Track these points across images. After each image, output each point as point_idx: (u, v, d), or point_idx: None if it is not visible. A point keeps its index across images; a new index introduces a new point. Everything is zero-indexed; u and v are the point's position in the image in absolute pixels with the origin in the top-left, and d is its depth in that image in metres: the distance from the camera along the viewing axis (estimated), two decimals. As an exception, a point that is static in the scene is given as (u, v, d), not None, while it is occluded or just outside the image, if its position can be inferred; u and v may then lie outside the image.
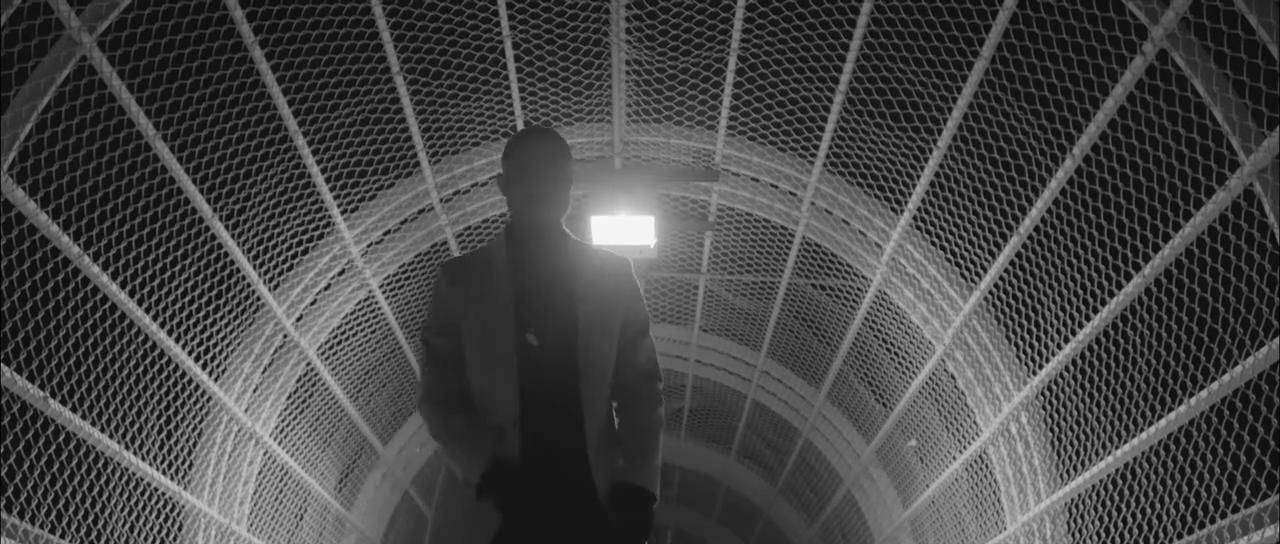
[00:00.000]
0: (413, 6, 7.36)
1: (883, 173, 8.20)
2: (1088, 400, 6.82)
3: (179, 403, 7.38)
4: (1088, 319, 6.58)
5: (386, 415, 11.81)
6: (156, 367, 6.97)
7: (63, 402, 5.93)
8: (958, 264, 8.03)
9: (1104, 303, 6.37)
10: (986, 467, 8.81)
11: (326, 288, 8.95)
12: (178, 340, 7.09)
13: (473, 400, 3.12)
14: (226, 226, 7.17)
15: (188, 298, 7.09)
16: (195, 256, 7.00)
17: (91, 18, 5.26)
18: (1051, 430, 7.54)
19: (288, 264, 8.22)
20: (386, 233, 9.26)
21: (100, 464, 6.44)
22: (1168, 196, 5.51)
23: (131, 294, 6.42)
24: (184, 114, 6.36)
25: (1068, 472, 7.28)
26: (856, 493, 12.67)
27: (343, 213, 8.45)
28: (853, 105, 7.78)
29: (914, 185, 7.91)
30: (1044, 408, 7.59)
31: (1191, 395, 5.64)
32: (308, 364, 9.19)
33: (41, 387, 5.66)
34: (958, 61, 6.68)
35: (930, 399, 9.63)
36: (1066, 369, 7.05)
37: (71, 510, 6.14)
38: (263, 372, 8.53)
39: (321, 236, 8.48)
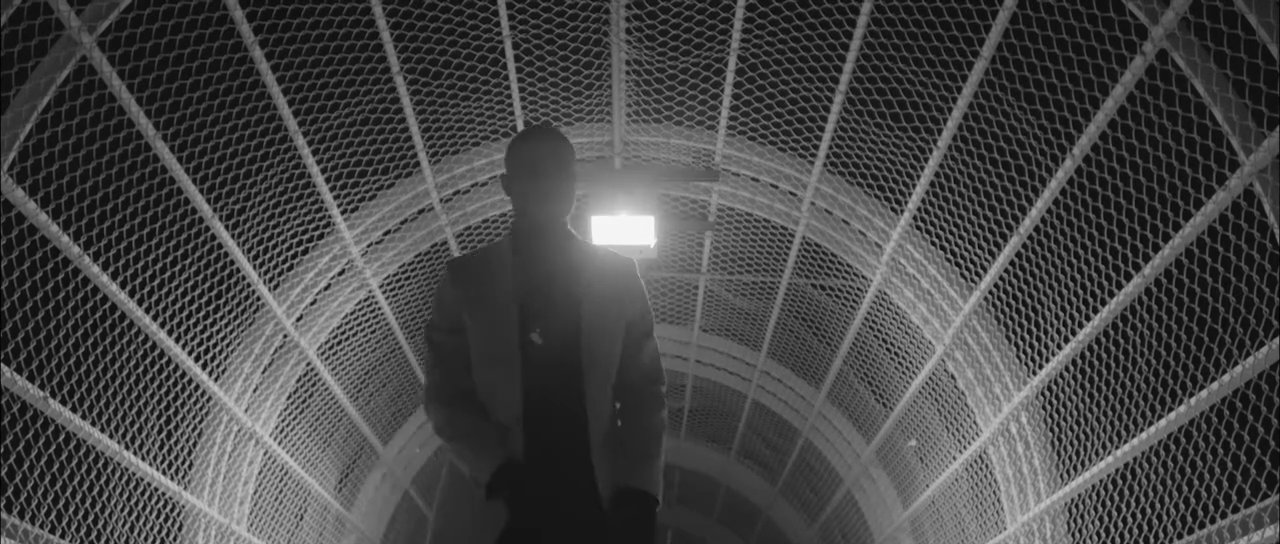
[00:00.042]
0: (413, 6, 7.36)
1: (883, 173, 8.20)
2: (1088, 400, 6.82)
3: (179, 403, 7.38)
4: (1088, 319, 6.58)
5: (386, 415, 11.81)
6: (156, 367, 6.97)
7: (63, 402, 5.93)
8: (958, 264, 8.04)
9: (1104, 303, 6.37)
10: (986, 467, 8.81)
11: (326, 288, 8.95)
12: (178, 340, 7.09)
13: (478, 398, 3.13)
14: (226, 226, 7.17)
15: (188, 298, 7.09)
16: (195, 256, 7.00)
17: (91, 18, 5.26)
18: (1051, 430, 7.54)
19: (288, 264, 8.22)
20: (386, 233, 9.26)
21: (100, 464, 6.44)
22: (1168, 196, 5.51)
23: (131, 294, 6.42)
24: (184, 114, 6.36)
25: (1068, 472, 7.28)
26: (856, 493, 12.67)
27: (343, 213, 8.45)
28: (853, 105, 7.78)
29: (914, 185, 7.91)
30: (1044, 408, 7.59)
31: (1191, 395, 5.64)
32: (308, 364, 9.19)
33: (41, 387, 5.66)
34: (958, 61, 6.68)
35: (930, 399, 9.63)
36: (1066, 369, 7.05)
37: (71, 510, 6.14)
38: (263, 372, 8.53)
39: (321, 236, 8.48)
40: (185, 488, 7.63)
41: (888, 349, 10.02)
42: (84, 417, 6.16)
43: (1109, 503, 6.75)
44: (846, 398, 11.65)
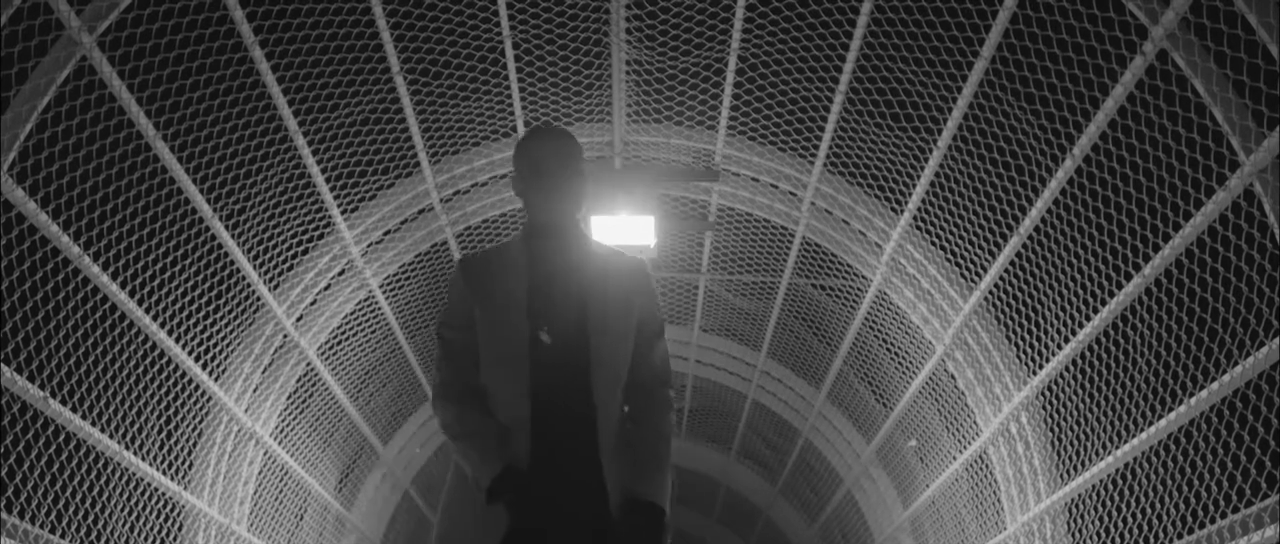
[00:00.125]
0: (413, 6, 7.36)
1: (883, 173, 8.20)
2: (1088, 400, 6.82)
3: (179, 403, 7.38)
4: (1088, 319, 6.58)
5: (386, 415, 11.81)
6: (156, 367, 6.97)
7: (63, 402, 5.93)
8: (958, 264, 8.04)
9: (1104, 303, 6.37)
10: (986, 467, 8.81)
11: (326, 288, 8.95)
12: (178, 340, 7.09)
13: (486, 397, 3.12)
14: (226, 226, 7.17)
15: (188, 298, 7.09)
16: (195, 256, 7.00)
17: (91, 18, 5.26)
18: (1051, 430, 7.54)
19: (288, 264, 8.22)
20: (386, 233, 9.26)
21: (100, 464, 6.44)
22: (1168, 196, 5.51)
23: (131, 294, 6.42)
24: (184, 114, 6.36)
25: (1068, 472, 7.28)
26: (856, 493, 12.67)
27: (343, 213, 8.45)
28: (853, 105, 7.78)
29: (914, 185, 7.91)
30: (1044, 408, 7.59)
31: (1191, 395, 5.64)
32: (308, 364, 9.19)
33: (41, 387, 5.66)
34: (958, 61, 6.68)
35: (930, 399, 9.63)
36: (1066, 369, 7.05)
37: (71, 510, 6.14)
38: (263, 372, 8.53)
39: (321, 236, 8.48)
40: (185, 488, 7.63)
41: (888, 349, 10.02)
42: (84, 417, 6.16)
43: (1109, 503, 6.75)
44: (846, 398, 11.65)
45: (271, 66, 6.78)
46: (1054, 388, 7.32)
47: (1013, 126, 6.63)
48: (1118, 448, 6.46)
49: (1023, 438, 7.95)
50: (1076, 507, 7.24)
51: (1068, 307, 6.78)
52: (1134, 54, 5.34)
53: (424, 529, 14.78)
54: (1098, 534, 6.92)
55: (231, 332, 7.85)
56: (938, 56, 6.78)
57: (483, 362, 3.11)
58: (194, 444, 7.80)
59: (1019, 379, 7.78)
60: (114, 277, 6.21)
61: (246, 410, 8.38)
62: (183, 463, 7.60)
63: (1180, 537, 5.93)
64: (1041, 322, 7.18)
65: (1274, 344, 4.90)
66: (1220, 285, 5.28)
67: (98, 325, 6.20)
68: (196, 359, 7.39)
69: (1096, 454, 6.80)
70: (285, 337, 8.58)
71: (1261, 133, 4.77)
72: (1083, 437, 6.97)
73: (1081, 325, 6.67)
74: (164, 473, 7.25)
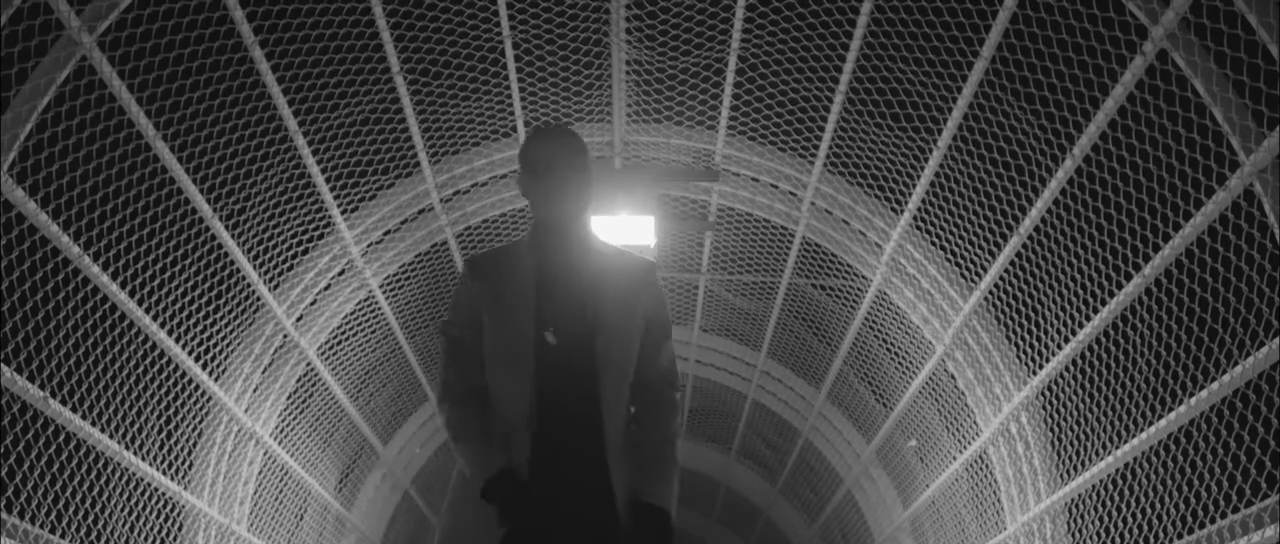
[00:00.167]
0: (413, 6, 7.36)
1: (883, 173, 8.20)
2: (1088, 400, 6.82)
3: (179, 403, 7.38)
4: (1088, 319, 6.58)
5: (386, 415, 11.81)
6: (156, 367, 6.97)
7: (63, 402, 5.93)
8: (958, 264, 8.04)
9: (1104, 303, 6.37)
10: (986, 467, 8.81)
11: (326, 288, 8.95)
12: (178, 340, 7.09)
13: (486, 400, 3.11)
14: (226, 226, 7.17)
15: (188, 298, 7.09)
16: (195, 256, 7.00)
17: (91, 18, 5.26)
18: (1051, 430, 7.54)
19: (288, 264, 8.22)
20: (386, 233, 9.26)
21: (100, 464, 6.44)
22: (1168, 196, 5.51)
23: (131, 294, 6.42)
24: (184, 114, 6.36)
25: (1068, 472, 7.28)
26: (856, 493, 12.67)
27: (343, 213, 8.45)
28: (853, 105, 7.78)
29: (914, 185, 7.91)
30: (1044, 408, 7.59)
31: (1191, 395, 5.64)
32: (308, 364, 9.19)
33: (41, 387, 5.66)
34: (958, 61, 6.68)
35: (930, 399, 9.63)
36: (1066, 369, 7.05)
37: (71, 510, 6.14)
38: (263, 372, 8.53)
39: (321, 236, 8.48)
40: (185, 488, 7.63)
41: (888, 349, 10.02)
42: (84, 417, 6.16)
43: (1109, 503, 6.75)
44: (846, 398, 11.65)
45: (271, 66, 6.78)
46: (1054, 388, 7.32)
47: (1013, 126, 6.63)
48: (1118, 448, 6.46)
49: (1023, 438, 7.95)
50: (1076, 507, 7.24)
51: (1068, 307, 6.78)
52: (1134, 54, 5.34)
53: (424, 529, 14.78)
54: (1098, 534, 6.92)
55: (231, 332, 7.85)
56: (938, 56, 6.78)
57: (488, 362, 3.10)
58: (194, 444, 7.80)
59: (1019, 379, 7.78)
60: (114, 277, 6.21)
61: (246, 410, 8.38)
62: (183, 463, 7.60)
63: (1180, 537, 5.93)
64: (1041, 322, 7.18)
65: (1274, 344, 4.90)
66: (1220, 285, 5.28)
67: (98, 325, 6.20)
68: (196, 359, 7.39)
69: (1096, 454, 6.80)
70: (285, 337, 8.58)
71: (1261, 133, 4.77)
72: (1083, 437, 6.97)
73: (1081, 325, 6.67)
74: (164, 473, 7.25)
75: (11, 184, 5.14)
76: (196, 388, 7.55)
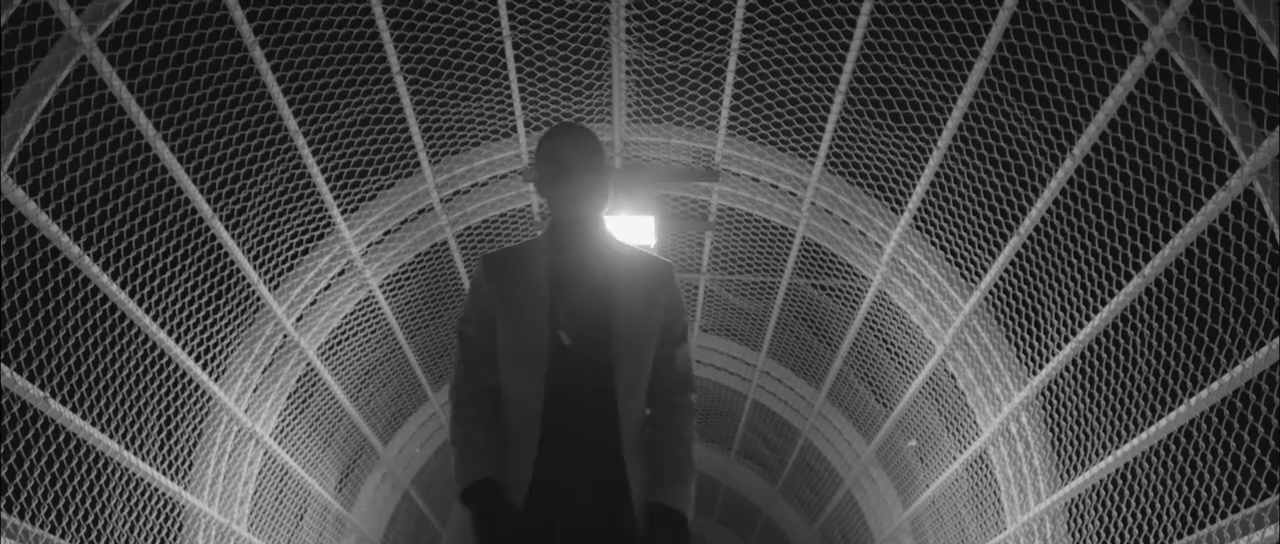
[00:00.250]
0: (413, 6, 7.36)
1: (883, 173, 8.20)
2: (1088, 400, 6.82)
3: (179, 403, 7.38)
4: (1088, 319, 6.58)
5: (386, 415, 11.81)
6: (156, 367, 6.97)
7: (63, 402, 5.93)
8: (958, 264, 8.04)
9: (1104, 303, 6.37)
10: (986, 467, 8.81)
11: (326, 288, 8.96)
12: (178, 340, 7.09)
13: (499, 398, 3.10)
14: (226, 226, 7.17)
15: (188, 298, 7.09)
16: (195, 256, 7.00)
17: (91, 18, 5.26)
18: (1051, 430, 7.54)
19: (288, 264, 8.22)
20: (386, 233, 9.26)
21: (100, 464, 6.44)
22: (1168, 196, 5.51)
23: (131, 294, 6.42)
24: (184, 114, 6.36)
25: (1068, 472, 7.28)
26: (856, 493, 12.67)
27: (343, 213, 8.45)
28: (853, 105, 7.78)
29: (914, 185, 7.91)
30: (1044, 408, 7.59)
31: (1191, 395, 5.64)
32: (308, 364, 9.19)
33: (41, 387, 5.66)
34: (958, 61, 6.68)
35: (930, 399, 9.63)
36: (1066, 369, 7.05)
37: (71, 510, 6.14)
38: (263, 372, 8.53)
39: (321, 236, 8.48)
40: (185, 488, 7.63)
41: (888, 349, 10.02)
42: (84, 417, 6.16)
43: (1109, 503, 6.75)
44: (846, 398, 11.65)
45: (271, 66, 6.78)
46: (1054, 388, 7.32)
47: (1013, 126, 6.63)
48: (1118, 448, 6.46)
49: (1023, 438, 7.95)
50: (1076, 507, 7.24)
51: (1068, 307, 6.78)
52: (1134, 54, 5.34)
53: (424, 529, 14.78)
54: (1098, 534, 6.92)
55: (231, 332, 7.85)
56: (938, 56, 6.78)
57: (502, 360, 3.08)
58: (194, 444, 7.80)
59: (1019, 379, 7.78)
60: (114, 277, 6.21)
61: (246, 410, 8.38)
62: (183, 463, 7.60)
63: (1180, 537, 5.93)
64: (1041, 322, 7.18)
65: (1274, 344, 4.90)
66: (1220, 285, 5.28)
67: (98, 325, 6.20)
68: (196, 359, 7.39)
69: (1096, 454, 6.80)
70: (285, 337, 8.58)
71: (1261, 133, 4.77)
72: (1083, 437, 6.97)
73: (1081, 325, 6.67)
74: (164, 473, 7.25)
75: (11, 184, 5.14)
76: (196, 388, 7.55)
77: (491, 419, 3.08)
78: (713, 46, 7.90)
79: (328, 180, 8.03)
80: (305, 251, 8.40)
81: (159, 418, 7.13)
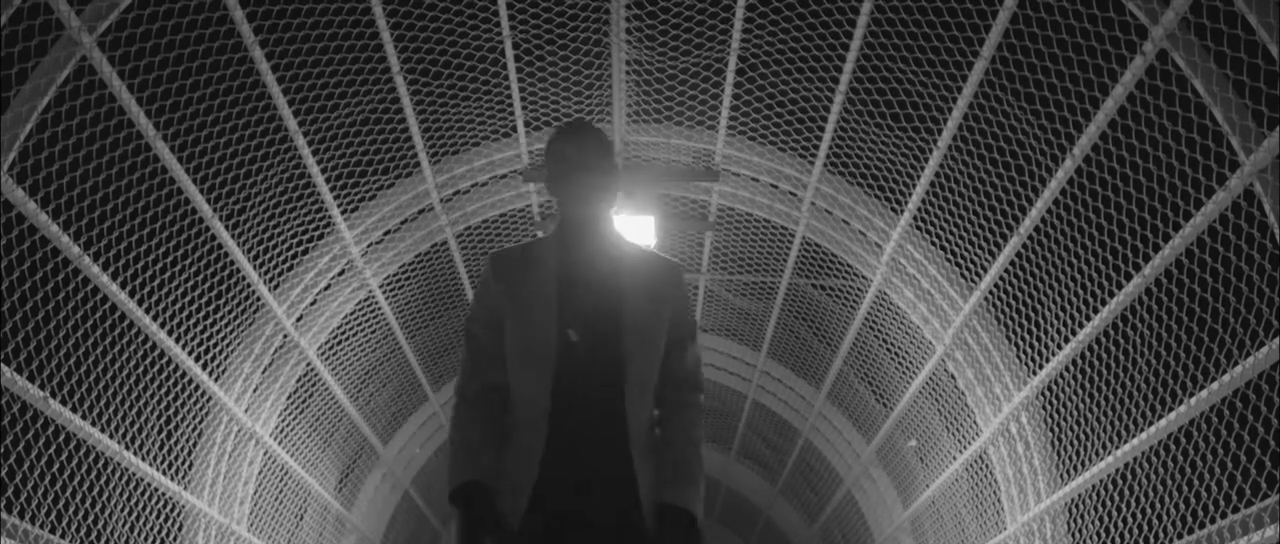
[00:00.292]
0: (413, 6, 7.36)
1: (883, 173, 8.20)
2: (1088, 400, 6.82)
3: (179, 403, 7.38)
4: (1088, 319, 6.58)
5: (386, 415, 11.81)
6: (156, 367, 6.97)
7: (63, 402, 5.93)
8: (958, 264, 8.04)
9: (1104, 303, 6.37)
10: (986, 467, 8.81)
11: (326, 288, 8.96)
12: (178, 340, 7.09)
13: (502, 399, 3.10)
14: (226, 226, 7.17)
15: (188, 298, 7.09)
16: (195, 256, 7.00)
17: (91, 18, 5.26)
18: (1051, 430, 7.54)
19: (288, 264, 8.22)
20: (386, 233, 9.26)
21: (100, 464, 6.44)
22: (1168, 196, 5.51)
23: (131, 294, 6.42)
24: (184, 114, 6.36)
25: (1068, 472, 7.28)
26: (856, 493, 12.67)
27: (343, 213, 8.46)
28: (853, 105, 7.78)
29: (914, 185, 7.91)
30: (1044, 408, 7.59)
31: (1191, 395, 5.64)
32: (308, 364, 9.19)
33: (41, 387, 5.66)
34: (958, 61, 6.68)
35: (930, 399, 9.63)
36: (1066, 369, 7.05)
37: (71, 510, 6.14)
38: (263, 372, 8.53)
39: (321, 237, 8.48)
40: (185, 488, 7.63)
41: (888, 349, 10.02)
42: (84, 417, 6.16)
43: (1109, 503, 6.75)
44: (846, 398, 11.65)
45: (271, 66, 6.78)
46: (1054, 388, 7.32)
47: (1013, 126, 6.63)
48: (1118, 448, 6.46)
49: (1023, 438, 7.95)
50: (1076, 507, 7.24)
51: (1068, 307, 6.78)
52: (1134, 54, 5.34)
53: (424, 529, 14.78)
54: (1098, 534, 6.92)
55: (231, 332, 7.85)
56: (938, 56, 6.77)
57: (510, 358, 3.08)
58: (194, 444, 7.80)
59: (1019, 379, 7.78)
60: (114, 277, 6.21)
61: (246, 410, 8.38)
62: (183, 463, 7.60)
63: (1180, 537, 5.93)
64: (1041, 322, 7.18)
65: (1274, 344, 4.90)
66: (1220, 285, 5.28)
67: (98, 325, 6.20)
68: (196, 359, 7.39)
69: (1096, 454, 6.80)
70: (285, 337, 8.58)
71: (1261, 133, 4.77)
72: (1083, 437, 6.97)
73: (1081, 325, 6.67)
74: (164, 473, 7.25)
75: (11, 184, 5.14)
76: (196, 388, 7.55)
77: (491, 421, 3.08)
78: (713, 46, 7.90)
79: (328, 180, 8.03)
80: (305, 252, 8.40)
81: (159, 418, 7.13)
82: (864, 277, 9.41)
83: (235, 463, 8.44)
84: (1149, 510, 6.24)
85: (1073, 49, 5.75)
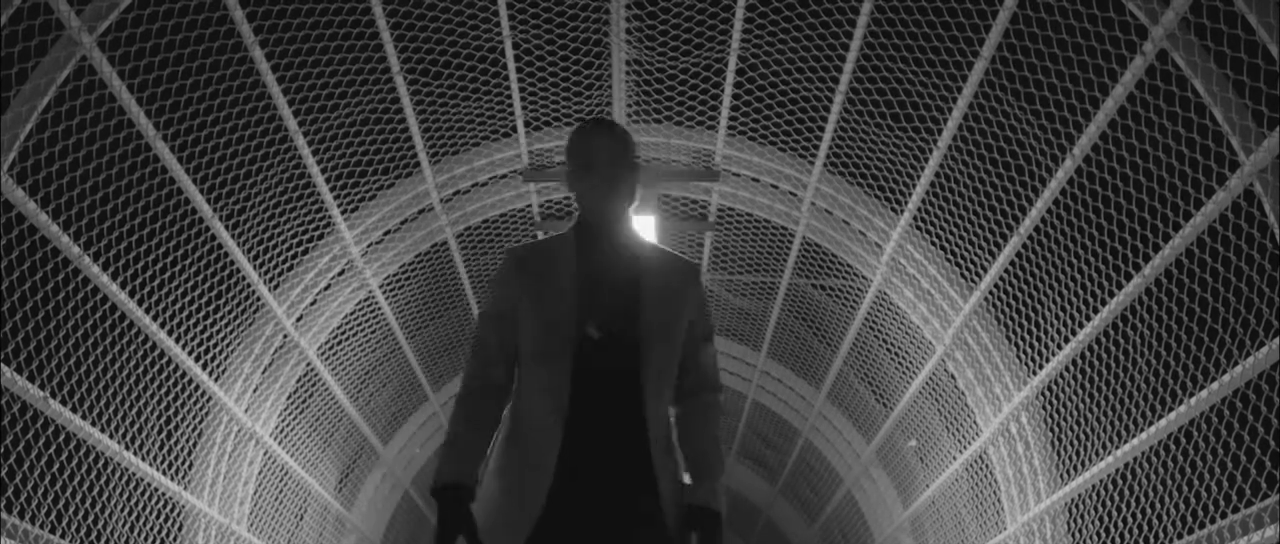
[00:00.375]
0: (413, 6, 7.36)
1: (883, 173, 8.20)
2: (1088, 400, 6.82)
3: (179, 403, 7.38)
4: (1088, 319, 6.58)
5: (386, 415, 11.81)
6: (156, 367, 6.97)
7: (63, 402, 5.93)
8: (958, 264, 8.04)
9: (1104, 303, 6.37)
10: (986, 467, 8.81)
11: (326, 288, 8.96)
12: (178, 340, 7.09)
13: (502, 399, 3.09)
14: (226, 226, 7.17)
15: (188, 298, 7.09)
16: (195, 256, 7.00)
17: (91, 18, 5.26)
18: (1051, 430, 7.54)
19: (288, 264, 8.22)
20: (386, 233, 9.26)
21: (100, 464, 6.44)
22: (1168, 196, 5.51)
23: (131, 294, 6.42)
24: (184, 114, 6.36)
25: (1068, 472, 7.28)
26: (856, 493, 12.67)
27: (343, 213, 8.46)
28: (853, 105, 7.78)
29: (914, 185, 7.91)
30: (1044, 408, 7.59)
31: (1191, 395, 5.64)
32: (308, 364, 9.19)
33: (41, 387, 5.66)
34: (958, 61, 6.68)
35: (930, 399, 9.63)
36: (1066, 369, 7.05)
37: (71, 510, 6.14)
38: (263, 372, 8.53)
39: (321, 237, 8.48)
40: (185, 488, 7.63)
41: (888, 349, 10.02)
42: (84, 417, 6.16)
43: (1109, 503, 6.75)
44: (846, 398, 11.65)
45: (271, 66, 6.78)
46: (1054, 388, 7.32)
47: (1013, 126, 6.63)
48: (1118, 448, 6.46)
49: (1023, 438, 7.95)
50: (1076, 507, 7.24)
51: (1068, 307, 6.78)
52: (1134, 54, 5.34)
53: (424, 529, 14.78)
54: (1098, 534, 6.92)
55: (231, 332, 7.85)
56: (938, 56, 6.77)
57: (527, 355, 3.07)
58: (194, 444, 7.81)
59: (1019, 379, 7.78)
60: (114, 277, 6.21)
61: (246, 410, 8.38)
62: (183, 463, 7.60)
63: (1180, 537, 5.93)
64: (1041, 322, 7.18)
65: (1274, 344, 4.90)
66: (1220, 285, 5.28)
67: (98, 325, 6.20)
68: (196, 359, 7.39)
69: (1096, 454, 6.80)
70: (285, 337, 8.59)
71: (1261, 133, 4.77)
72: (1083, 437, 6.97)
73: (1081, 325, 6.67)
74: (164, 473, 7.25)
75: (11, 184, 5.14)
76: (196, 388, 7.55)
77: (485, 421, 3.07)
78: (713, 46, 7.90)
79: (328, 180, 8.03)
80: (305, 252, 8.40)
81: (159, 418, 7.13)
82: (864, 277, 9.41)
83: (235, 463, 8.44)
84: (1149, 510, 6.24)
85: (1073, 49, 5.75)
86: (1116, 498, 6.65)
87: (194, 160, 6.65)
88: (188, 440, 7.65)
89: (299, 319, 8.71)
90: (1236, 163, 4.94)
